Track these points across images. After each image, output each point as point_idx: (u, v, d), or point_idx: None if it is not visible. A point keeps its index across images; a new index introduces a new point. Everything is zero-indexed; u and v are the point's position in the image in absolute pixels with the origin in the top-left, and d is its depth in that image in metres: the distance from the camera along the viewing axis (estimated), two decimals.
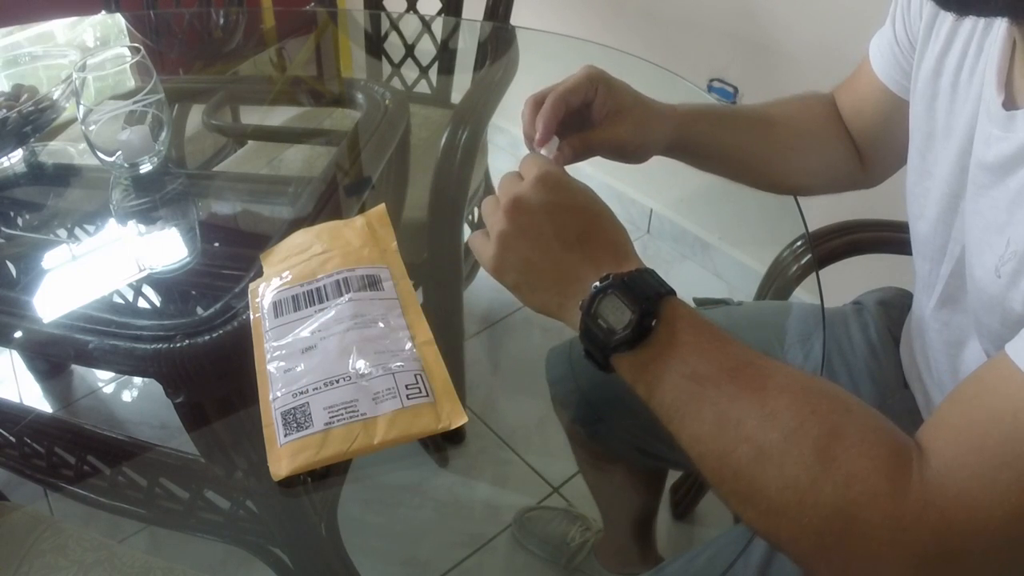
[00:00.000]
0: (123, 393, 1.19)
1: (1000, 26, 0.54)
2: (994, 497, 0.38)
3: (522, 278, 0.53)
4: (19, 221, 1.06)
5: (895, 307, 0.86)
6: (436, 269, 1.06)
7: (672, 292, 0.49)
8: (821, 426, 0.42)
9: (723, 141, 0.73)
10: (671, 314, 0.48)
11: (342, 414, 0.61)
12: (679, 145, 0.70)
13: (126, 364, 0.81)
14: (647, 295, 0.47)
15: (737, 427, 0.44)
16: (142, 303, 0.90)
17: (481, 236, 0.56)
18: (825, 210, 0.95)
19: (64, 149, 1.14)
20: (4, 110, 0.98)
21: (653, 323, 0.47)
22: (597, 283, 0.49)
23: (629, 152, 0.68)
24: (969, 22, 0.58)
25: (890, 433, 0.43)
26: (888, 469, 0.40)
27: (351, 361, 0.65)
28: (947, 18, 0.60)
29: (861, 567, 0.41)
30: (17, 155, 1.08)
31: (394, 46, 1.46)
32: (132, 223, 0.99)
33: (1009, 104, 0.51)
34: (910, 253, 0.71)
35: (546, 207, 0.52)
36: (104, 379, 1.18)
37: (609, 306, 0.48)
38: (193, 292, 0.90)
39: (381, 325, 0.68)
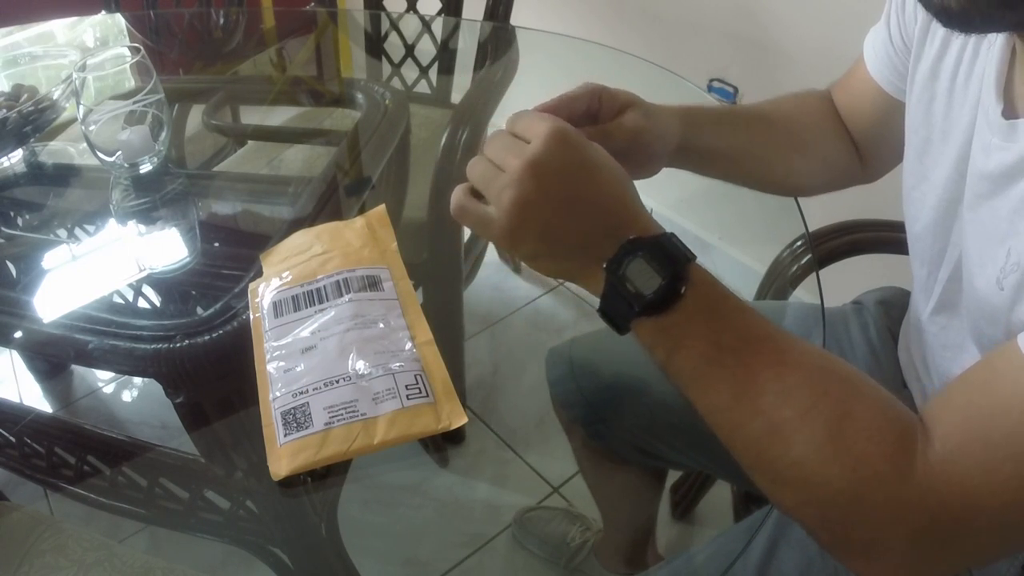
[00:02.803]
0: (123, 393, 1.18)
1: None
2: (994, 487, 0.39)
3: (542, 247, 0.49)
4: (19, 221, 1.06)
5: (895, 307, 0.86)
6: (436, 269, 1.06)
7: (695, 257, 0.47)
8: (833, 408, 0.43)
9: (725, 140, 0.72)
10: (698, 280, 0.47)
11: (342, 414, 0.61)
12: (686, 145, 0.68)
13: (126, 364, 0.81)
14: (676, 259, 0.46)
15: (753, 400, 0.44)
16: (142, 303, 0.90)
17: (477, 205, 0.51)
18: (825, 210, 0.95)
19: (64, 149, 1.14)
20: (4, 110, 0.98)
21: (682, 289, 0.46)
22: (626, 245, 0.47)
23: (645, 142, 0.63)
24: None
25: (898, 416, 0.43)
26: (894, 454, 0.41)
27: (351, 361, 0.65)
28: None
29: (860, 539, 0.42)
30: (17, 155, 1.08)
31: (394, 46, 1.46)
32: (132, 223, 0.99)
33: (1009, 113, 0.51)
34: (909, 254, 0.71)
35: (568, 168, 0.48)
36: (104, 379, 1.18)
37: (637, 269, 0.47)
38: (193, 292, 0.90)
39: (381, 325, 0.68)
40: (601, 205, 0.49)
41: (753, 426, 0.44)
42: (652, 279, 0.46)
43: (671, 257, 0.46)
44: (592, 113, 0.62)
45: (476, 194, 0.52)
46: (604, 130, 0.61)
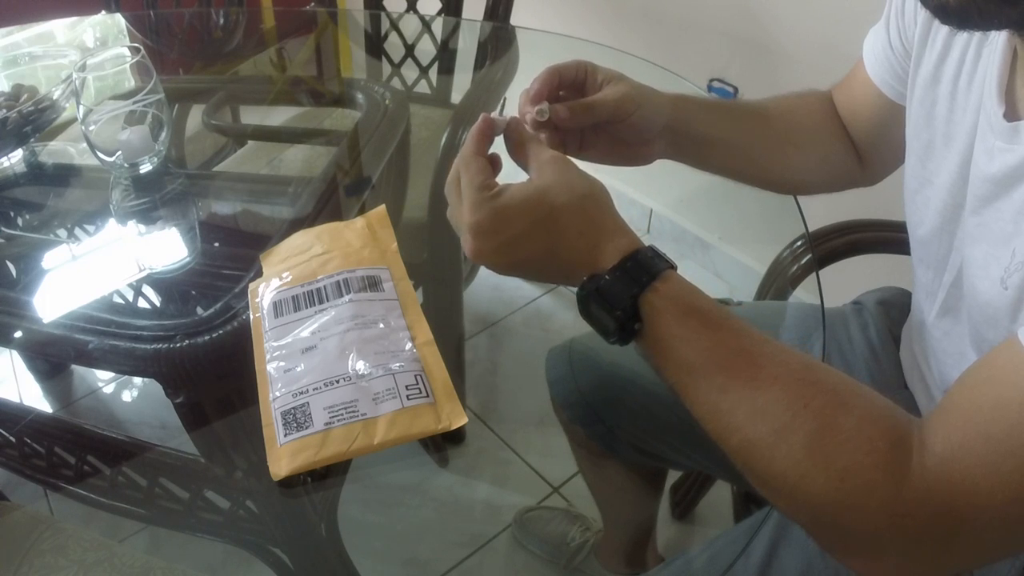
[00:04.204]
0: (123, 393, 1.19)
1: (999, 34, 0.53)
2: (996, 483, 0.39)
3: (516, 273, 0.54)
4: (19, 221, 1.06)
5: (895, 307, 0.85)
6: (436, 269, 1.06)
7: (655, 276, 0.48)
8: (813, 421, 0.43)
9: (720, 129, 0.72)
10: (652, 310, 0.48)
11: (342, 414, 0.61)
12: (677, 129, 0.68)
13: (126, 364, 0.81)
14: (622, 302, 0.48)
15: (727, 417, 0.45)
16: (142, 303, 0.90)
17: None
18: (825, 210, 0.95)
19: (64, 149, 1.14)
20: (4, 110, 0.98)
21: (636, 326, 0.48)
22: (579, 291, 0.50)
23: (628, 112, 0.63)
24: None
25: (890, 425, 0.43)
26: (886, 462, 0.41)
27: (351, 361, 0.65)
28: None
29: (858, 543, 0.42)
30: (17, 155, 1.08)
31: (394, 46, 1.46)
32: (132, 223, 0.99)
33: (1011, 115, 0.51)
34: (910, 253, 0.71)
35: (498, 251, 0.52)
36: (104, 379, 1.18)
37: (595, 310, 0.49)
38: (193, 292, 0.90)
39: (381, 326, 0.68)
40: (546, 257, 0.52)
41: (732, 441, 0.45)
42: (607, 321, 0.49)
43: (615, 301, 0.48)
44: (579, 84, 0.64)
45: None
46: (585, 103, 0.62)
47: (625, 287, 0.48)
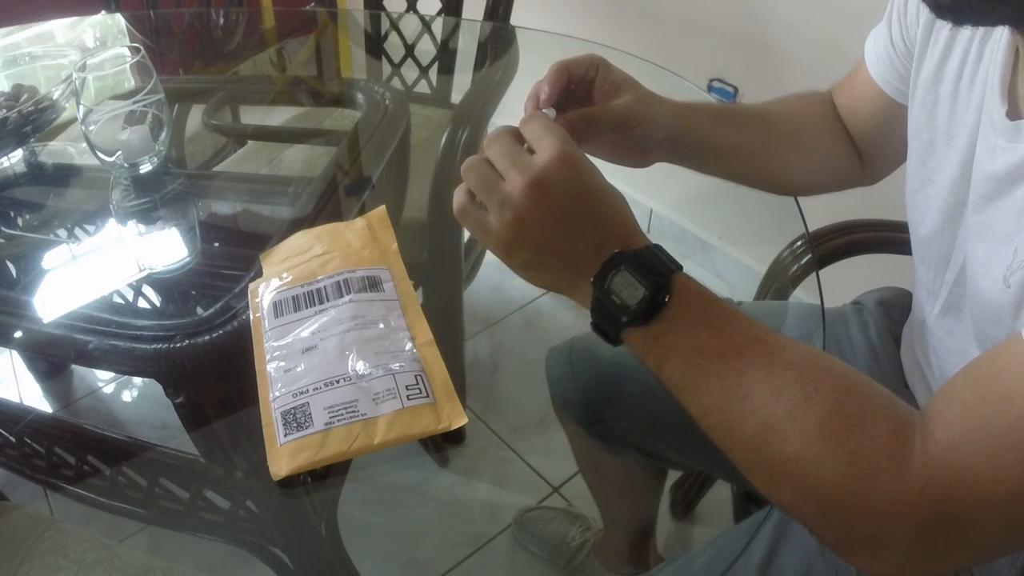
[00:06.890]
0: (123, 393, 1.19)
1: (1002, 33, 0.54)
2: (998, 475, 0.39)
3: (534, 258, 0.51)
4: (19, 221, 1.06)
5: (895, 307, 0.86)
6: (436, 269, 1.06)
7: (680, 267, 0.49)
8: (824, 404, 0.43)
9: (723, 137, 0.72)
10: (682, 289, 0.48)
11: (342, 414, 0.61)
12: (679, 139, 0.68)
13: (126, 364, 0.81)
14: (659, 270, 0.48)
15: (743, 401, 0.45)
16: (142, 303, 0.90)
17: (478, 210, 0.52)
18: (825, 210, 0.95)
19: (64, 149, 1.14)
20: (4, 110, 0.98)
21: (666, 298, 0.47)
22: (608, 259, 0.49)
23: (631, 126, 0.64)
24: (968, 28, 0.58)
25: (893, 411, 0.43)
26: (889, 447, 0.41)
27: (351, 361, 0.65)
28: (946, 23, 0.60)
29: (862, 534, 0.42)
30: (17, 155, 1.08)
31: (394, 46, 1.46)
32: (132, 223, 0.99)
33: (1013, 114, 0.51)
34: (910, 253, 0.71)
35: (568, 191, 0.49)
36: (104, 379, 1.18)
37: (622, 282, 0.48)
38: (193, 292, 0.90)
39: (381, 326, 0.68)
40: (592, 224, 0.50)
41: (746, 426, 0.45)
42: (636, 291, 0.47)
43: (653, 269, 0.47)
44: (589, 81, 0.63)
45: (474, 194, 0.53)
46: (587, 118, 0.61)
47: (663, 260, 0.48)
